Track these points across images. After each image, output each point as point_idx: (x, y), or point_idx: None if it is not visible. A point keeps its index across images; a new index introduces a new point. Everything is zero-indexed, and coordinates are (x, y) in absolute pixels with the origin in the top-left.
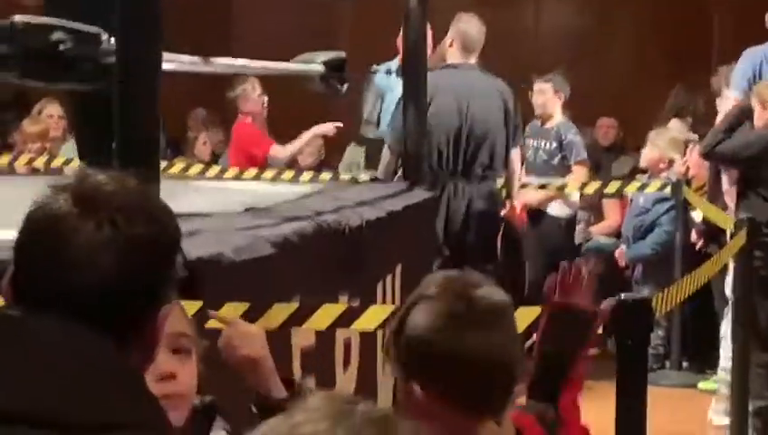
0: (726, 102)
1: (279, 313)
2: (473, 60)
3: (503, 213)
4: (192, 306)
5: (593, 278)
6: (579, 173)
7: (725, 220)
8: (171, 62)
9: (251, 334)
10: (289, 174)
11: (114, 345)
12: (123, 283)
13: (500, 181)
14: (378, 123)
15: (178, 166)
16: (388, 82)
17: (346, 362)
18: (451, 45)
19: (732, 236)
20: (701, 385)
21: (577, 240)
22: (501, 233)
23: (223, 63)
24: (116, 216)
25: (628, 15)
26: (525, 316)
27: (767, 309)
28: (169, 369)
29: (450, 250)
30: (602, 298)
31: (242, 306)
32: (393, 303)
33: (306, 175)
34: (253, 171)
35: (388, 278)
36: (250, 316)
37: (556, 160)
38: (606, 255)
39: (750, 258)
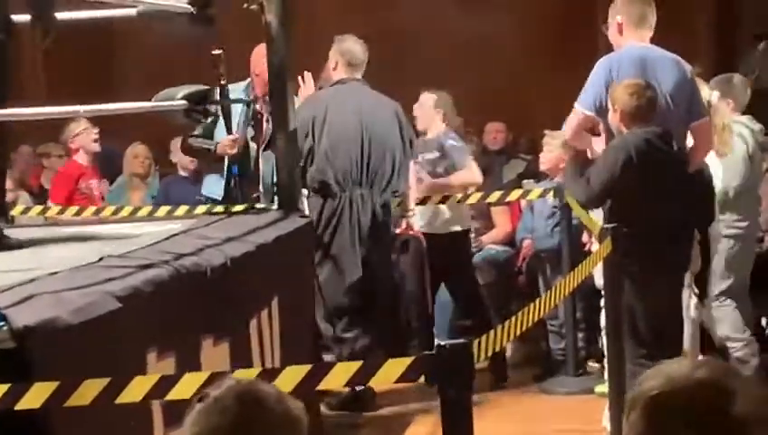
0: (572, 118)
1: (90, 389)
2: (359, 76)
3: (397, 231)
4: None
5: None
6: (463, 175)
7: (595, 226)
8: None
9: None
10: (164, 210)
11: None
12: None
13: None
14: None
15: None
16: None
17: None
18: (335, 67)
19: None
20: (597, 389)
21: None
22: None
23: (75, 110)
24: None
25: (510, 19)
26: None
27: (643, 311)
28: None
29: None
30: (498, 306)
31: (51, 385)
32: (272, 337)
33: (181, 210)
34: (128, 209)
35: (264, 313)
36: (61, 394)
37: (441, 169)
38: (498, 264)
39: (614, 268)
